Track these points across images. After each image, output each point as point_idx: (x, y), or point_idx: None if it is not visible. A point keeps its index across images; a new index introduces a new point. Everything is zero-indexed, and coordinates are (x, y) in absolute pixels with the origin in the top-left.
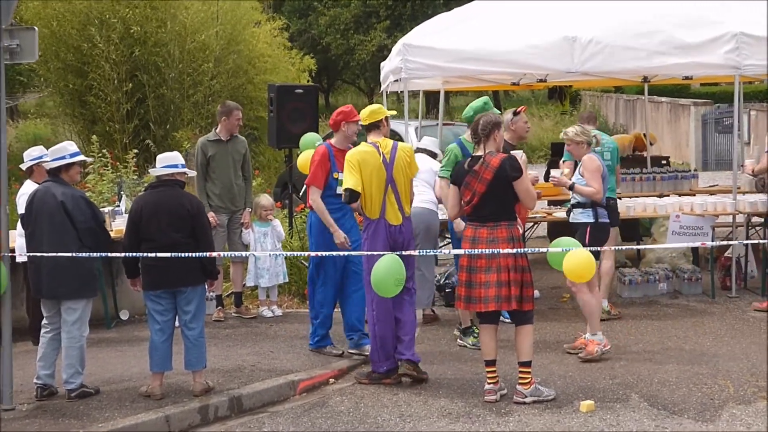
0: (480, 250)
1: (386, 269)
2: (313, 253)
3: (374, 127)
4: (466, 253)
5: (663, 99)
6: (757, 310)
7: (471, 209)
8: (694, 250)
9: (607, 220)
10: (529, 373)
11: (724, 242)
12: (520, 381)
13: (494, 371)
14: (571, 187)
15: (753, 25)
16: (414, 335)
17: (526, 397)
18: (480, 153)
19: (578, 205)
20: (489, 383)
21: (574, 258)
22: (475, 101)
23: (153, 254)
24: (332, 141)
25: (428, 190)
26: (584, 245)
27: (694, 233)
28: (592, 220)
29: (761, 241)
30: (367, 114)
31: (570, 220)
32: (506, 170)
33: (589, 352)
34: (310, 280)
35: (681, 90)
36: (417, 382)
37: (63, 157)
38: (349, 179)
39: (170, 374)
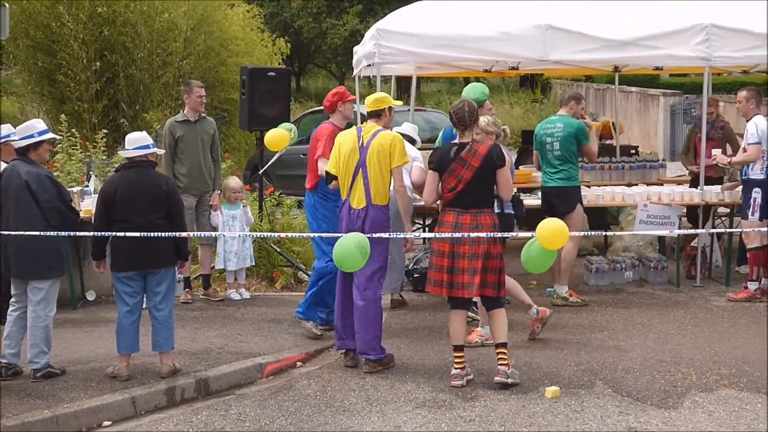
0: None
1: (346, 239)
2: (276, 234)
3: (375, 114)
4: (436, 237)
5: (633, 89)
6: (731, 300)
7: (454, 196)
8: (661, 239)
9: (512, 212)
10: (506, 353)
11: (691, 231)
12: (501, 362)
13: (462, 356)
14: None
15: (723, 17)
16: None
17: (509, 377)
18: (465, 140)
19: None
20: (456, 368)
21: (547, 229)
22: (476, 86)
23: (123, 234)
24: (332, 121)
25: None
26: None
27: (661, 222)
28: (497, 211)
29: (726, 230)
30: (371, 102)
31: None
32: (493, 158)
33: (468, 341)
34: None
35: (651, 80)
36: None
37: (31, 136)
38: (330, 162)
39: (137, 356)
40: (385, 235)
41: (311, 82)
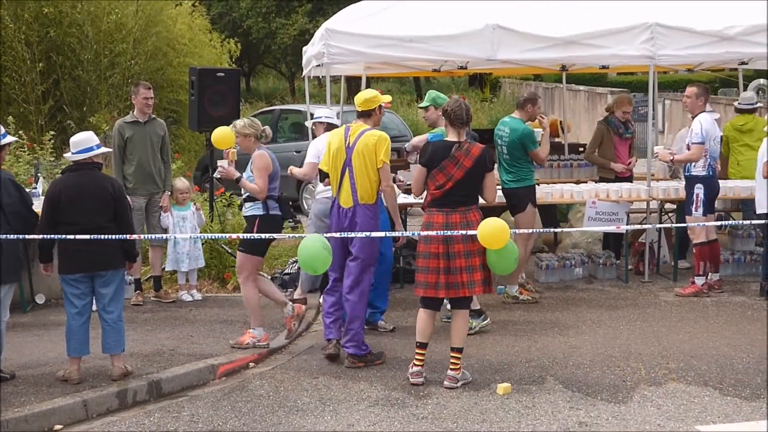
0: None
1: (312, 242)
2: (227, 236)
3: (365, 114)
4: (423, 238)
5: (581, 87)
6: (679, 295)
7: (442, 194)
8: (608, 235)
9: (279, 213)
10: (460, 358)
11: (638, 226)
12: (452, 367)
13: (424, 354)
14: (238, 180)
15: (668, 16)
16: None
17: (457, 381)
18: (455, 139)
19: (249, 198)
20: (417, 365)
21: (487, 229)
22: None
23: (71, 237)
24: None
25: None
26: None
27: (609, 219)
28: (262, 212)
29: (673, 225)
30: (361, 101)
31: (243, 214)
32: (485, 160)
33: (240, 342)
34: None
35: (598, 79)
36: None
37: None
38: (322, 160)
39: (88, 358)
40: (361, 234)
41: (261, 83)
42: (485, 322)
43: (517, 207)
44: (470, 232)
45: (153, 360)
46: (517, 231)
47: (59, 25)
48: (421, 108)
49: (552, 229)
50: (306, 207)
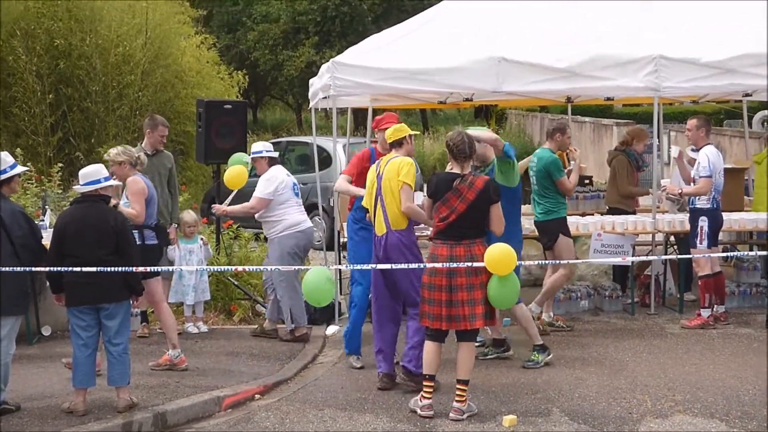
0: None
1: (313, 275)
2: (233, 268)
3: (397, 144)
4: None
5: (586, 119)
6: (685, 327)
7: (445, 226)
8: (616, 268)
9: (155, 242)
10: (466, 390)
11: (643, 258)
12: (458, 399)
13: (432, 386)
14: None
15: (671, 48)
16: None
17: (463, 413)
18: (459, 171)
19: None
20: (426, 398)
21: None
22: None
23: (77, 269)
24: (377, 145)
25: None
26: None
27: (615, 252)
28: (138, 242)
29: (677, 256)
30: (391, 132)
31: None
32: (489, 193)
33: (159, 364)
34: None
35: (604, 110)
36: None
37: (4, 171)
38: (364, 197)
39: (93, 390)
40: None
41: (268, 114)
42: (549, 357)
43: (549, 240)
44: (475, 264)
45: (158, 392)
46: (551, 262)
47: (69, 57)
48: None
49: (557, 261)
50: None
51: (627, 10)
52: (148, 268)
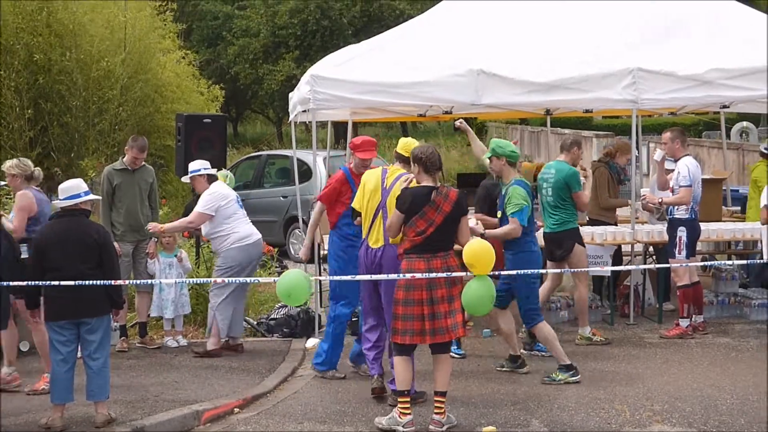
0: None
1: (292, 275)
2: (212, 280)
3: (403, 159)
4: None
5: (566, 131)
6: (663, 337)
7: (423, 240)
8: (595, 278)
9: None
10: (444, 402)
11: (622, 267)
12: (437, 411)
13: (409, 401)
14: None
15: (649, 61)
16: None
17: (443, 426)
18: (432, 184)
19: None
20: (407, 414)
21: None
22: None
23: (56, 283)
24: (351, 165)
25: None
26: None
27: (594, 262)
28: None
29: (655, 266)
30: (401, 146)
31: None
32: (462, 204)
33: (35, 389)
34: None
35: (584, 122)
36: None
37: None
38: (356, 199)
39: (71, 405)
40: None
41: (249, 128)
42: (574, 377)
43: (564, 251)
44: (454, 274)
45: (137, 406)
46: (571, 270)
47: (48, 72)
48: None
49: (537, 270)
50: (293, 252)
51: (605, 24)
52: (132, 282)
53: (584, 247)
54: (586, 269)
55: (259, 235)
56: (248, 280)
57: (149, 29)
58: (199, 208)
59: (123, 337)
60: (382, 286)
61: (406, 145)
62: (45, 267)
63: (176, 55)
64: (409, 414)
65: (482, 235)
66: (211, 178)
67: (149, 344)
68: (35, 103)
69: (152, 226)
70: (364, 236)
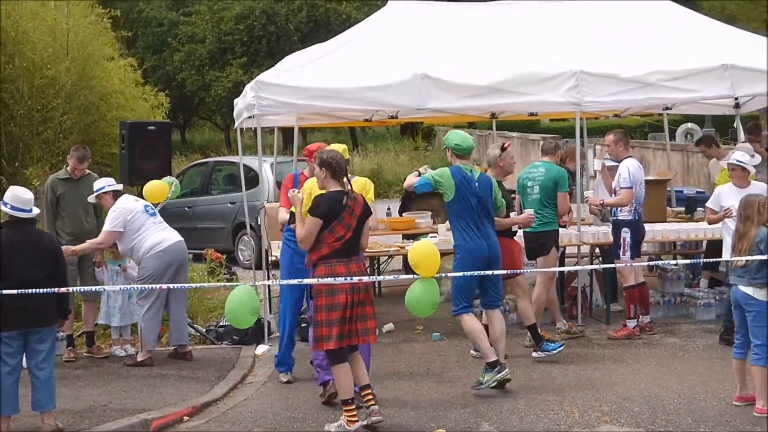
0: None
1: (239, 299)
2: (157, 286)
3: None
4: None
5: (513, 134)
6: (611, 338)
7: (342, 245)
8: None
9: None
10: (372, 391)
11: (569, 268)
12: (371, 403)
13: (355, 407)
14: None
15: (592, 64)
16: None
17: (380, 414)
18: (340, 188)
19: None
20: (356, 420)
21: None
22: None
23: (15, 291)
24: (304, 170)
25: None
26: None
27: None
28: None
29: (600, 266)
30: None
31: None
32: (368, 207)
33: None
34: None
35: (531, 125)
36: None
37: None
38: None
39: (17, 416)
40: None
41: (197, 135)
42: (499, 375)
43: (542, 250)
44: (386, 277)
45: (85, 416)
46: (538, 271)
47: None
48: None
49: (483, 272)
50: (242, 258)
51: (547, 28)
52: (78, 289)
53: (558, 251)
54: (554, 269)
55: (176, 239)
56: (195, 285)
57: (93, 36)
58: (105, 227)
59: (70, 347)
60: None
61: (343, 151)
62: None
63: (120, 63)
64: (357, 420)
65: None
66: (117, 194)
67: (97, 354)
68: None
69: (65, 249)
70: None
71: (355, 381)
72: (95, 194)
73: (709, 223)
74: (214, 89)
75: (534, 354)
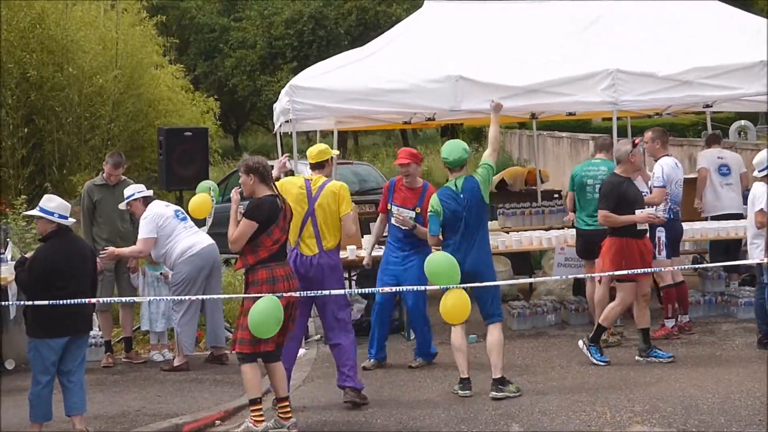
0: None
1: (265, 310)
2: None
3: (319, 165)
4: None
5: (563, 134)
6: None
7: (279, 248)
8: (577, 281)
9: None
10: (289, 405)
11: (605, 273)
12: (287, 415)
13: (261, 408)
14: None
15: (628, 62)
16: (354, 363)
17: (297, 427)
18: (270, 192)
19: None
20: (262, 420)
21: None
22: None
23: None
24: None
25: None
26: None
27: (579, 264)
28: None
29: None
30: (315, 153)
31: None
32: (290, 209)
33: None
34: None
35: (583, 125)
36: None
37: None
38: None
39: (48, 423)
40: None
41: (250, 140)
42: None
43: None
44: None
45: (117, 421)
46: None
47: (40, 89)
48: None
49: (504, 279)
50: None
51: (583, 28)
52: (117, 299)
53: None
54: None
55: (207, 242)
56: (226, 297)
57: (141, 44)
58: (141, 234)
59: (108, 353)
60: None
61: (319, 150)
62: (52, 284)
63: (171, 69)
64: (263, 420)
65: None
66: (147, 200)
67: (135, 359)
68: (28, 120)
69: (109, 250)
70: (293, 246)
71: (274, 392)
72: (126, 201)
73: (758, 228)
74: (265, 94)
75: (637, 358)
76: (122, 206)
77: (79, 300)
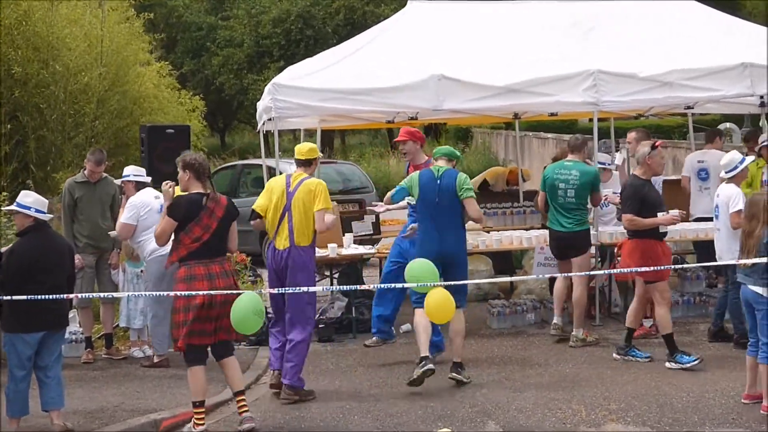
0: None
1: (241, 306)
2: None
3: (306, 163)
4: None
5: (549, 135)
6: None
7: (200, 246)
8: (552, 280)
9: None
10: (246, 399)
11: (588, 273)
12: (244, 410)
13: (204, 411)
14: None
15: (609, 63)
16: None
17: (253, 420)
18: (202, 190)
19: None
20: (202, 424)
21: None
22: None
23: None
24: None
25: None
26: None
27: (554, 264)
28: None
29: (621, 270)
30: (305, 151)
31: None
32: (232, 209)
33: None
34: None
35: (570, 125)
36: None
37: None
38: (260, 202)
39: (26, 417)
40: (311, 288)
41: (237, 138)
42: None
43: (579, 250)
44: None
45: (96, 416)
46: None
47: (24, 86)
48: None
49: (487, 278)
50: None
51: (565, 28)
52: (97, 295)
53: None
54: (588, 272)
55: None
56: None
57: (127, 41)
58: (121, 219)
59: (89, 349)
60: (288, 289)
61: (309, 149)
62: (28, 279)
63: (154, 66)
64: (203, 424)
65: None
66: (140, 186)
67: (115, 355)
68: (12, 117)
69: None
70: (270, 238)
71: (229, 386)
72: (121, 180)
73: (733, 228)
74: (252, 93)
75: (667, 364)
76: (118, 181)
77: (56, 296)
